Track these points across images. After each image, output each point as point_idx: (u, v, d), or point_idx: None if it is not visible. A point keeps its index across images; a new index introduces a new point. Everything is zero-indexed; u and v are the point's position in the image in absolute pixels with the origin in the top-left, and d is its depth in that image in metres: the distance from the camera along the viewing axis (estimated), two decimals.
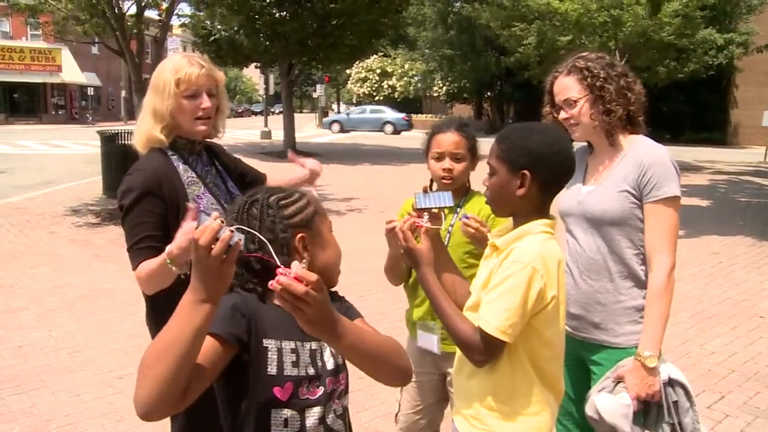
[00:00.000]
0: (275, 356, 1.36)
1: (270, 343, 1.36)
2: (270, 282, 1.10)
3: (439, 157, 2.32)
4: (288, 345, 1.38)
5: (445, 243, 2.29)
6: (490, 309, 1.63)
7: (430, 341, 2.36)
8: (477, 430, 1.75)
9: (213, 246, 1.12)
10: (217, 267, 1.14)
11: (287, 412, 1.37)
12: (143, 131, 2.15)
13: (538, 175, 1.67)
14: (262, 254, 1.26)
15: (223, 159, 2.39)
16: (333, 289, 1.52)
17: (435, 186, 2.36)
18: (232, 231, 1.14)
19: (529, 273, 1.61)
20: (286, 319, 1.23)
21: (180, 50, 39.44)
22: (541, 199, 1.72)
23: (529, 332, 1.66)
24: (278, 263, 1.14)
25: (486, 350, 1.64)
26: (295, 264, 1.11)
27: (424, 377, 2.45)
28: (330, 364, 1.43)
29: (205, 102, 2.13)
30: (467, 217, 2.03)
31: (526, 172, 1.67)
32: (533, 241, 1.67)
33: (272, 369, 1.36)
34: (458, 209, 2.35)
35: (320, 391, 1.40)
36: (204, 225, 1.13)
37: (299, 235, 1.40)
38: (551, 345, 1.72)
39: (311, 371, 1.40)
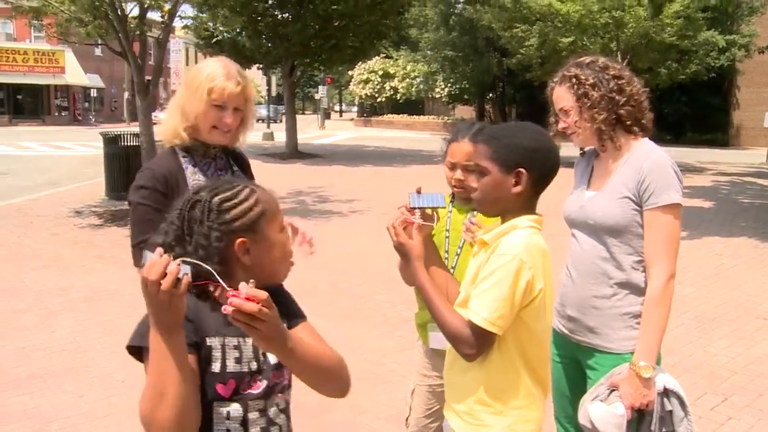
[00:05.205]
0: (219, 354, 1.38)
1: (213, 342, 1.38)
2: (222, 306, 1.12)
3: (452, 167, 2.29)
4: (231, 342, 1.39)
5: (460, 244, 2.29)
6: (479, 301, 1.64)
7: None
8: (470, 425, 1.75)
9: (162, 281, 1.15)
10: (168, 301, 1.17)
11: (231, 405, 1.38)
12: (171, 126, 2.18)
13: (533, 172, 1.69)
14: (211, 281, 1.25)
15: (243, 165, 2.41)
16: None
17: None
18: (179, 264, 1.16)
19: (517, 265, 1.62)
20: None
21: (182, 52, 39.43)
22: (533, 196, 1.74)
23: (519, 326, 1.67)
24: (227, 288, 1.15)
25: (476, 343, 1.64)
26: (242, 285, 1.13)
27: (436, 381, 2.42)
28: (273, 359, 1.44)
29: (228, 117, 2.15)
30: (472, 222, 2.02)
31: (522, 169, 1.69)
32: (520, 234, 1.69)
33: (216, 367, 1.38)
34: (472, 216, 2.33)
35: (263, 384, 1.42)
36: (151, 261, 1.16)
37: (239, 240, 1.38)
38: (539, 340, 1.73)
39: (254, 366, 1.41)
